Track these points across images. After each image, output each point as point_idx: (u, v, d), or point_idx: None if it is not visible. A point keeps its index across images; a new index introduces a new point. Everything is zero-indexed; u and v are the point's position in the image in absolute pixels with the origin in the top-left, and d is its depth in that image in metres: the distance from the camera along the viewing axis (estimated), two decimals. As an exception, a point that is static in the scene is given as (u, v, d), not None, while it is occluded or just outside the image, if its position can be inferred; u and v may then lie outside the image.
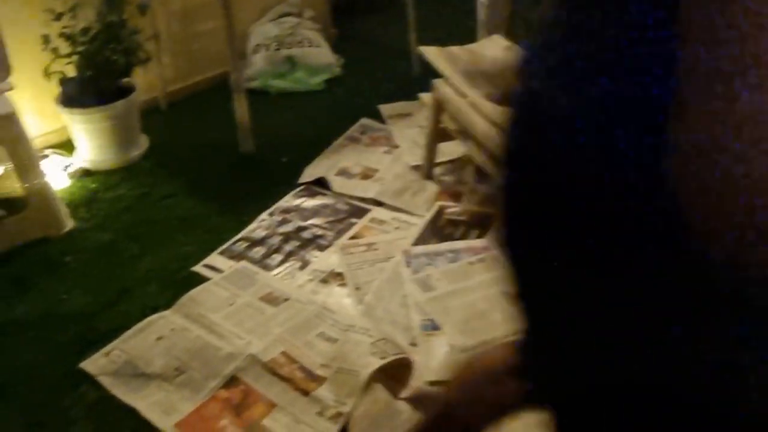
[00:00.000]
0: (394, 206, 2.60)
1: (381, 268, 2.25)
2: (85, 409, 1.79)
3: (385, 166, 2.85)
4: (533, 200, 0.51)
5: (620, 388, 0.50)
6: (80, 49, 2.68)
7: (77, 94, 2.74)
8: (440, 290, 2.15)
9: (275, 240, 2.43)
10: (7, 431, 1.74)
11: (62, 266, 2.32)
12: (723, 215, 0.36)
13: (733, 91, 0.34)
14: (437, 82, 2.51)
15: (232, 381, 1.85)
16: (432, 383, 1.82)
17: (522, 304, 0.57)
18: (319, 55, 3.80)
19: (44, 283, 2.23)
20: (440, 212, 2.53)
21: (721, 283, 0.39)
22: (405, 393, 1.77)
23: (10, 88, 2.36)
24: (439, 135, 2.66)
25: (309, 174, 2.80)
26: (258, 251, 2.37)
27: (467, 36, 2.96)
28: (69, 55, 2.72)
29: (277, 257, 2.35)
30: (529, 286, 0.55)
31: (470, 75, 2.44)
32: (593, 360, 0.51)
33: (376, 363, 1.77)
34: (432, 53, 2.62)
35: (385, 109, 3.32)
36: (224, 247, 2.40)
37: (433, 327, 2.00)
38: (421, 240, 2.39)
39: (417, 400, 1.76)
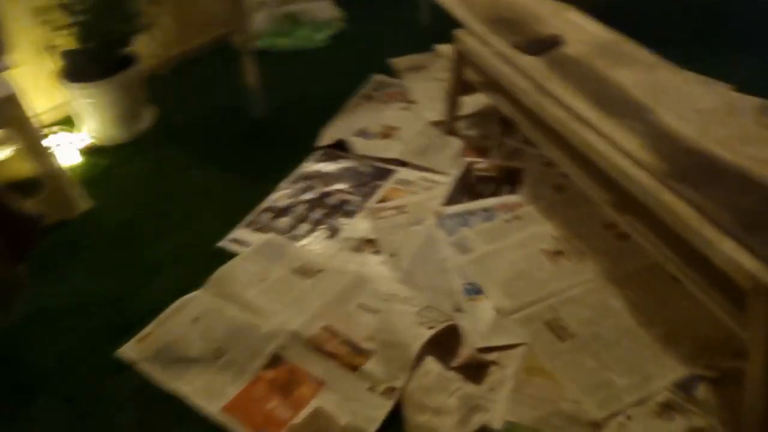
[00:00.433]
0: (419, 165, 2.51)
1: (414, 232, 2.18)
2: (127, 398, 1.74)
3: (405, 123, 2.75)
4: None
5: None
6: (80, 19, 2.54)
7: (81, 67, 2.61)
8: (478, 251, 2.09)
9: (300, 208, 2.35)
10: (52, 426, 1.69)
11: (85, 249, 2.24)
12: None
13: None
14: (459, 33, 2.39)
15: (275, 360, 1.79)
16: (482, 350, 1.77)
17: None
18: (322, 10, 3.67)
19: (70, 268, 2.16)
20: (468, 169, 2.45)
21: None
22: (456, 362, 1.72)
23: (11, 67, 2.24)
24: (460, 88, 2.56)
25: (327, 137, 2.70)
26: (284, 221, 2.29)
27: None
28: (67, 27, 2.58)
29: (305, 226, 2.27)
30: None
31: (491, 23, 2.32)
32: None
33: (426, 334, 1.71)
34: (448, 0, 2.50)
35: (396, 62, 3.20)
36: (250, 219, 2.32)
37: (476, 291, 1.95)
38: (451, 199, 2.31)
39: (469, 368, 1.73)
